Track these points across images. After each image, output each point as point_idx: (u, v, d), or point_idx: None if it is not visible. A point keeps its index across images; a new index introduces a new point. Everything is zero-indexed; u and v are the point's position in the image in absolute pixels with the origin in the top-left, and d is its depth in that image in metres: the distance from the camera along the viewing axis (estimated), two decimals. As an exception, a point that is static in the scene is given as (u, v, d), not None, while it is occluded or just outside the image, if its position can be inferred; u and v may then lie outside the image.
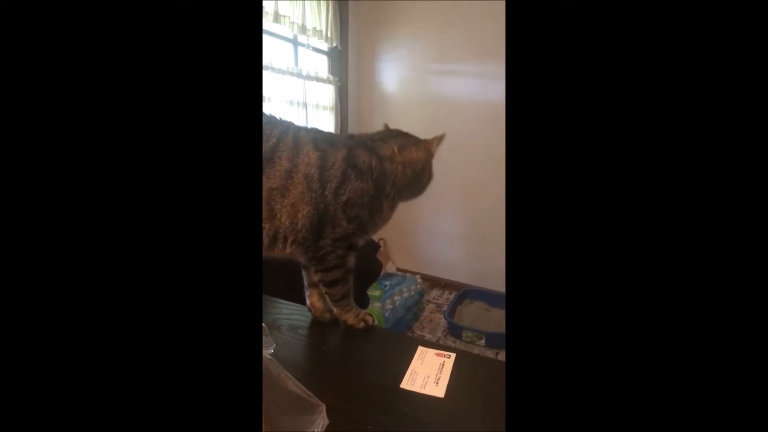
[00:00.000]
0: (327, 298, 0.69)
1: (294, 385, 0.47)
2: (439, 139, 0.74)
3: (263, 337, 0.58)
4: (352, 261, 0.68)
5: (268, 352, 0.56)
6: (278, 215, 0.62)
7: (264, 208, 0.61)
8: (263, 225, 0.62)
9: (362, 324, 0.68)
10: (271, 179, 0.61)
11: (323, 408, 0.44)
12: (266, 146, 0.62)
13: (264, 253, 0.64)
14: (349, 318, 0.68)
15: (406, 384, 0.54)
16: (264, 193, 0.61)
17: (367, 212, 0.66)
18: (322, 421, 0.43)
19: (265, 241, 0.63)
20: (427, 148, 0.73)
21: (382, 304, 2.09)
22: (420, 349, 0.62)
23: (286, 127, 0.66)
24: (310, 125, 2.35)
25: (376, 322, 0.71)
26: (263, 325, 0.64)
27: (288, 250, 0.65)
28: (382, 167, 0.67)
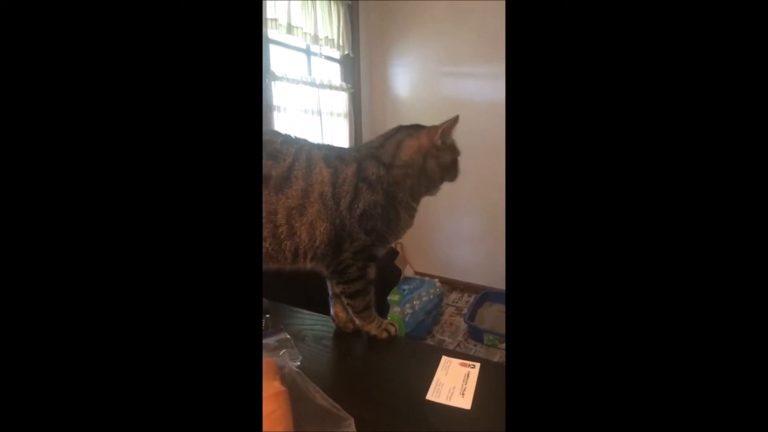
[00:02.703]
0: (349, 310, 0.70)
1: (322, 398, 0.48)
2: (451, 122, 0.68)
3: (290, 350, 0.59)
4: (372, 272, 0.69)
5: (295, 364, 0.57)
6: (298, 232, 0.64)
7: (284, 227, 0.63)
8: (285, 242, 0.64)
9: (385, 334, 0.69)
10: (289, 199, 0.63)
11: (351, 421, 0.45)
12: (283, 165, 0.64)
13: (288, 267, 0.67)
14: (372, 329, 0.69)
15: (431, 395, 0.54)
16: (284, 212, 0.63)
17: (383, 223, 0.66)
18: (351, 435, 0.43)
19: (289, 257, 0.65)
20: (428, 136, 0.68)
21: (402, 308, 2.08)
22: (444, 359, 0.62)
23: (301, 145, 0.68)
24: (324, 133, 2.38)
25: (398, 331, 0.71)
26: (288, 336, 0.66)
27: (309, 265, 0.67)
28: (389, 175, 0.66)
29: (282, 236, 0.64)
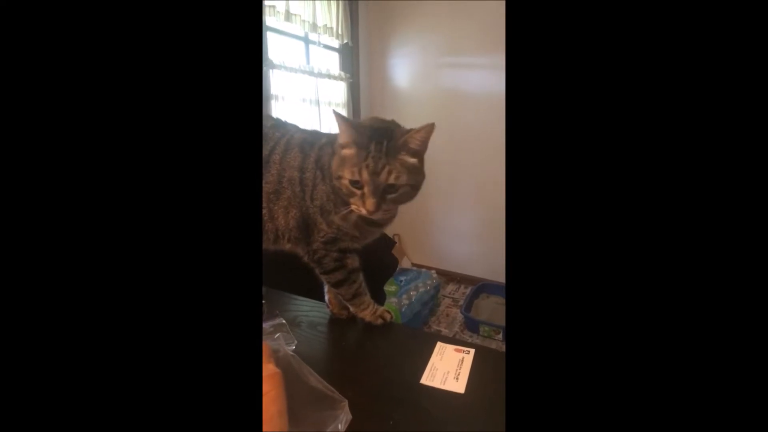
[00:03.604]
0: (340, 297, 0.70)
1: (316, 381, 0.48)
2: (425, 129, 0.55)
3: (285, 334, 0.60)
4: (353, 261, 0.67)
5: (290, 348, 0.57)
6: (276, 216, 0.65)
7: (265, 210, 0.65)
8: (267, 224, 0.66)
9: (380, 321, 0.69)
10: (268, 183, 0.64)
11: (346, 403, 0.45)
12: (265, 150, 0.64)
13: (271, 248, 0.69)
14: (366, 315, 0.69)
15: (425, 380, 0.55)
16: (264, 196, 0.64)
17: (340, 217, 0.61)
18: (345, 416, 0.44)
19: (270, 237, 0.67)
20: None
21: (399, 299, 2.09)
22: (439, 344, 0.62)
23: (286, 130, 0.67)
24: (323, 123, 2.36)
25: (393, 318, 0.71)
26: (284, 321, 0.66)
27: (287, 246, 0.68)
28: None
29: (264, 218, 0.65)
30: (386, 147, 0.55)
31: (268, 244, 0.68)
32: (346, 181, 0.56)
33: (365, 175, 0.54)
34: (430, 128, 0.56)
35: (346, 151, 0.57)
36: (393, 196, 0.56)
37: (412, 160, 0.56)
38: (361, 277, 0.68)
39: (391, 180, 0.54)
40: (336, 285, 0.67)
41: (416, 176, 0.57)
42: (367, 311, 0.69)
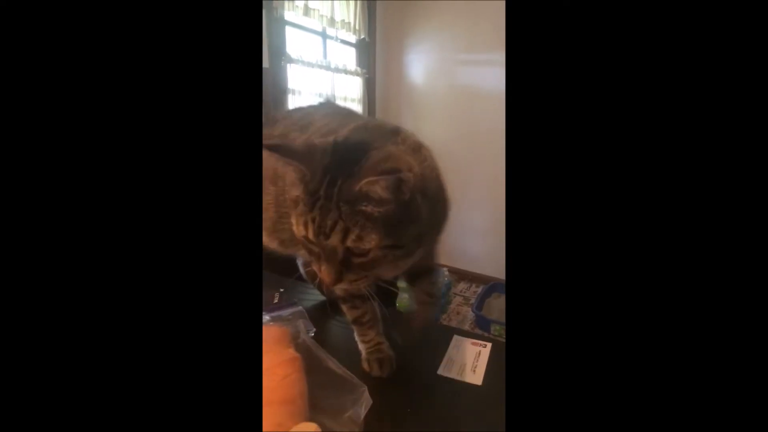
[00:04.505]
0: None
1: (335, 366, 0.48)
2: (387, 178, 0.35)
3: (304, 321, 0.60)
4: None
5: (309, 334, 0.58)
6: (298, 224, 0.56)
7: (288, 218, 0.58)
8: (293, 229, 0.59)
9: (373, 367, 0.54)
10: (290, 190, 0.55)
11: (365, 389, 0.45)
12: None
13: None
14: (363, 349, 0.57)
15: (443, 371, 0.55)
16: (285, 204, 0.57)
17: None
18: (365, 401, 0.44)
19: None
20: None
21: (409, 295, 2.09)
22: (456, 338, 0.62)
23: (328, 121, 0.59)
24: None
25: (390, 370, 0.55)
26: (302, 308, 0.66)
27: None
28: None
29: (290, 227, 0.59)
30: (338, 190, 0.36)
31: (296, 250, 0.62)
32: (300, 235, 0.40)
33: (310, 233, 0.38)
34: (396, 178, 0.34)
35: (294, 192, 0.39)
36: (362, 260, 0.38)
37: (384, 210, 0.36)
38: (368, 306, 0.56)
39: (349, 243, 0.36)
40: (341, 300, 0.58)
41: (401, 230, 0.38)
42: (366, 345, 0.57)
